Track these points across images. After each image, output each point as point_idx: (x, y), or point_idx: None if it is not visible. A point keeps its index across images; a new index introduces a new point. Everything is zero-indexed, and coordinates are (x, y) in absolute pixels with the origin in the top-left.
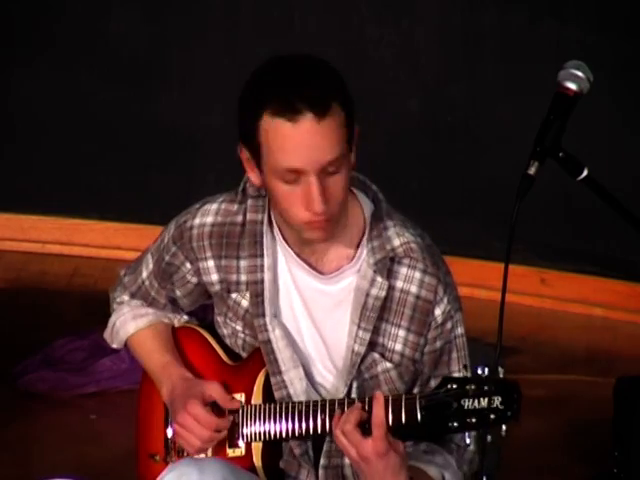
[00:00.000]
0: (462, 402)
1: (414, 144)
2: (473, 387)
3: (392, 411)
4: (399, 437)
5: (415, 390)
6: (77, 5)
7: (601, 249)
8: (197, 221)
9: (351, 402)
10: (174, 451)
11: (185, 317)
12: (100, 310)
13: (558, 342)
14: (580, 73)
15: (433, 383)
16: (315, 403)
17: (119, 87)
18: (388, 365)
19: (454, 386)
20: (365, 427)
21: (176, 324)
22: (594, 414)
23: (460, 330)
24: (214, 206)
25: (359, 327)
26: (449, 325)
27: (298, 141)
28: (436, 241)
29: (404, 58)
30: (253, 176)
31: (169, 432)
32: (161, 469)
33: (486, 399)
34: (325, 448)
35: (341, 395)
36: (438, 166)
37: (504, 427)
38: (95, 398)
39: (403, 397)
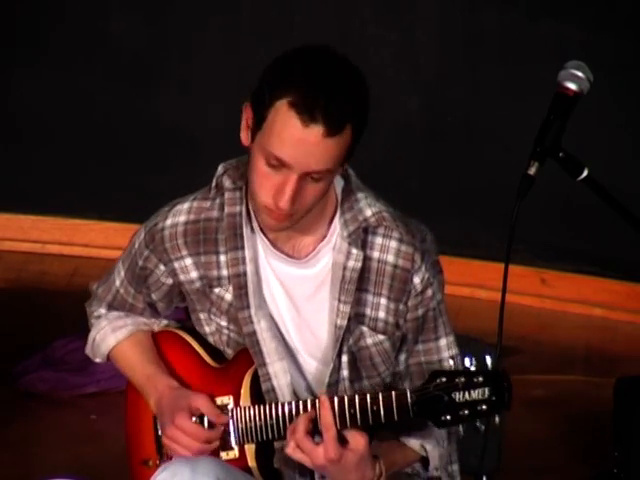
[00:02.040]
0: (453, 395)
1: (414, 144)
2: (463, 379)
3: (383, 407)
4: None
5: (402, 357)
6: (77, 5)
7: (601, 249)
8: (169, 222)
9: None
10: (166, 456)
11: (164, 321)
12: None
13: (558, 342)
14: (580, 73)
15: (421, 347)
16: (304, 402)
17: (119, 87)
18: (381, 337)
19: (444, 379)
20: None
21: (155, 329)
22: (594, 414)
23: (440, 295)
24: (185, 205)
25: (339, 301)
26: (429, 292)
27: (298, 142)
28: (436, 241)
29: (404, 58)
30: (244, 136)
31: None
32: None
33: (477, 391)
34: None
35: (327, 373)
36: (438, 166)
37: (497, 417)
38: (95, 398)
39: (393, 393)
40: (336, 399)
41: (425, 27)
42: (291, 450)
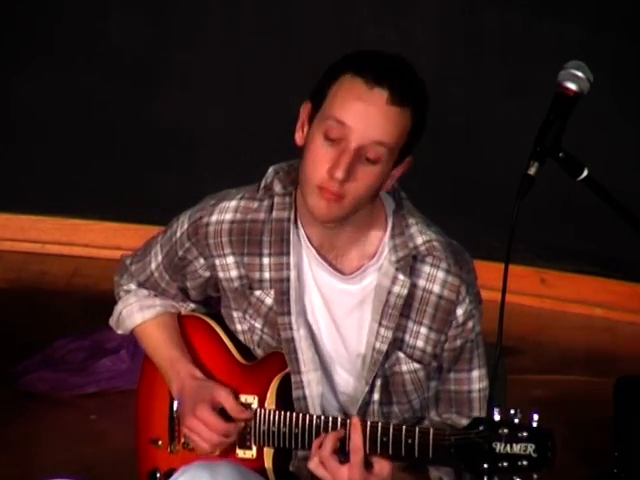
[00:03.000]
0: (494, 445)
1: None
2: (506, 431)
3: (418, 443)
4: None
5: (432, 384)
6: (77, 5)
7: (601, 249)
8: (214, 218)
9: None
10: (178, 441)
11: (192, 305)
12: (100, 310)
13: (558, 342)
14: (580, 73)
15: (452, 375)
16: (334, 420)
17: (119, 87)
18: (416, 366)
19: (487, 427)
20: (345, 452)
21: (183, 312)
22: (594, 414)
23: (479, 327)
24: (232, 203)
25: (380, 325)
26: (470, 324)
27: (362, 104)
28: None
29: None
30: (299, 135)
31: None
32: (163, 455)
33: (519, 445)
34: None
35: (361, 395)
36: (438, 166)
37: (535, 476)
38: (95, 398)
39: (431, 431)
40: (369, 423)
41: (425, 27)
42: (314, 466)
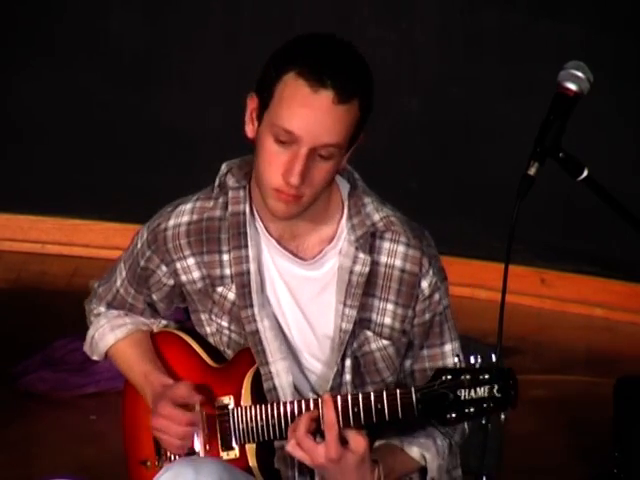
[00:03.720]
0: (458, 393)
1: (414, 144)
2: (468, 377)
3: (387, 405)
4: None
5: (407, 362)
6: (77, 5)
7: (601, 249)
8: (171, 222)
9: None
10: (166, 457)
11: (163, 322)
12: None
13: (558, 342)
14: (580, 73)
15: (426, 352)
16: (307, 402)
17: (119, 87)
18: (385, 342)
19: (449, 377)
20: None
21: (155, 329)
22: (594, 414)
23: (447, 300)
24: (188, 206)
25: (345, 305)
26: (437, 297)
27: (308, 110)
28: (436, 241)
29: (404, 58)
30: (250, 129)
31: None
32: (153, 475)
33: (482, 388)
34: None
35: (331, 376)
36: (438, 166)
37: (502, 415)
38: (95, 398)
39: (398, 392)
40: (339, 398)
41: (425, 27)
42: (291, 448)
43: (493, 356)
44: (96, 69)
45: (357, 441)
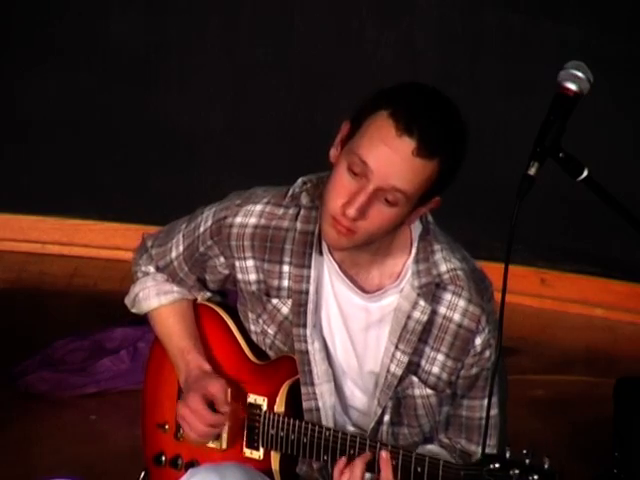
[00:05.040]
0: None
1: None
2: (517, 472)
3: (428, 473)
4: None
5: (444, 408)
6: (77, 5)
7: (601, 249)
8: (238, 220)
9: (373, 445)
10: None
11: (208, 293)
12: (100, 310)
13: (558, 342)
14: (580, 73)
15: (466, 402)
16: (343, 437)
17: (119, 87)
18: (429, 391)
19: (497, 466)
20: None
21: (199, 300)
22: (594, 414)
23: (495, 356)
24: (258, 207)
25: (397, 348)
26: (487, 353)
27: (387, 149)
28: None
29: (404, 58)
30: (333, 153)
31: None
32: (169, 440)
33: None
34: None
35: (373, 415)
36: None
37: None
38: (95, 398)
39: (441, 463)
40: (378, 446)
41: (425, 27)
42: None
43: (547, 459)
44: (96, 70)
45: None
